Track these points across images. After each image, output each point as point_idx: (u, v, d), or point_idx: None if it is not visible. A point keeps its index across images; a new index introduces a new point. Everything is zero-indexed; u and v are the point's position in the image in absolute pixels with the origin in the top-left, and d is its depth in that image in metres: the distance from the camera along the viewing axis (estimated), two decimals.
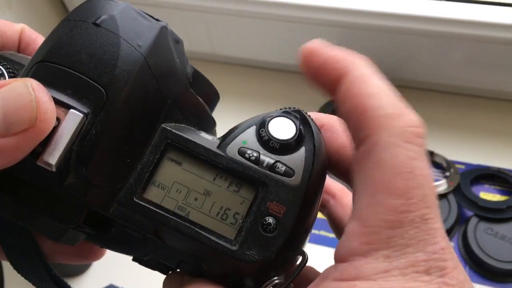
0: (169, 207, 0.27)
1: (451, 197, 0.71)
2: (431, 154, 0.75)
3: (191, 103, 0.30)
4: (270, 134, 0.28)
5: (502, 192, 0.72)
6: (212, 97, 0.34)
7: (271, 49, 0.84)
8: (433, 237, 0.23)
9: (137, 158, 0.27)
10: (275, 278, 0.27)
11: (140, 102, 0.27)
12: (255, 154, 0.27)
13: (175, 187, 0.27)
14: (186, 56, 0.30)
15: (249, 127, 0.28)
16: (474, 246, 0.66)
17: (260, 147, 0.28)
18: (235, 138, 0.28)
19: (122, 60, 0.26)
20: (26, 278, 0.32)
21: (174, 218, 0.27)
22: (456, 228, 0.70)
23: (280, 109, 0.29)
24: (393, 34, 0.75)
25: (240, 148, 0.28)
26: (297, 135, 0.28)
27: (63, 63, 0.26)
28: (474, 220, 0.68)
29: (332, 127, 0.30)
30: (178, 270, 0.29)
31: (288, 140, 0.28)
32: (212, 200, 0.27)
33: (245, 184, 0.27)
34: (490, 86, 0.78)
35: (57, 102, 0.25)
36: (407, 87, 0.82)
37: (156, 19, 0.29)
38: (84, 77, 0.26)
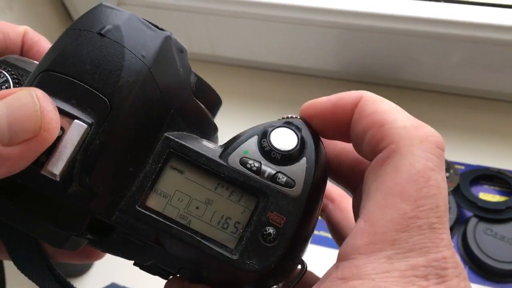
0: (171, 216, 0.27)
1: (451, 198, 0.71)
2: None
3: (194, 111, 0.30)
4: (272, 145, 0.28)
5: (501, 193, 0.72)
6: (215, 103, 0.34)
7: (271, 51, 0.84)
8: (437, 246, 0.23)
9: (140, 167, 0.28)
10: (275, 287, 0.27)
11: (144, 113, 0.27)
12: (256, 165, 0.28)
13: (177, 195, 0.28)
14: (189, 65, 0.30)
15: (251, 137, 0.28)
16: (473, 246, 0.66)
17: (262, 158, 0.28)
18: (237, 147, 0.28)
19: (126, 70, 0.27)
20: (29, 277, 0.32)
21: (176, 227, 0.27)
22: (456, 228, 0.70)
23: (282, 118, 0.29)
24: (393, 36, 0.75)
25: (242, 158, 0.28)
26: (298, 146, 0.28)
27: (67, 72, 0.26)
28: (473, 221, 0.68)
29: None
30: (178, 275, 0.29)
31: (289, 151, 0.28)
32: (213, 209, 0.27)
33: (246, 194, 0.27)
34: (490, 87, 0.78)
35: (62, 112, 0.25)
36: (407, 88, 0.82)
37: (161, 29, 0.29)
38: (88, 87, 0.26)
